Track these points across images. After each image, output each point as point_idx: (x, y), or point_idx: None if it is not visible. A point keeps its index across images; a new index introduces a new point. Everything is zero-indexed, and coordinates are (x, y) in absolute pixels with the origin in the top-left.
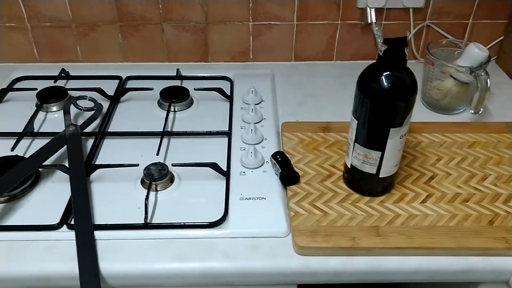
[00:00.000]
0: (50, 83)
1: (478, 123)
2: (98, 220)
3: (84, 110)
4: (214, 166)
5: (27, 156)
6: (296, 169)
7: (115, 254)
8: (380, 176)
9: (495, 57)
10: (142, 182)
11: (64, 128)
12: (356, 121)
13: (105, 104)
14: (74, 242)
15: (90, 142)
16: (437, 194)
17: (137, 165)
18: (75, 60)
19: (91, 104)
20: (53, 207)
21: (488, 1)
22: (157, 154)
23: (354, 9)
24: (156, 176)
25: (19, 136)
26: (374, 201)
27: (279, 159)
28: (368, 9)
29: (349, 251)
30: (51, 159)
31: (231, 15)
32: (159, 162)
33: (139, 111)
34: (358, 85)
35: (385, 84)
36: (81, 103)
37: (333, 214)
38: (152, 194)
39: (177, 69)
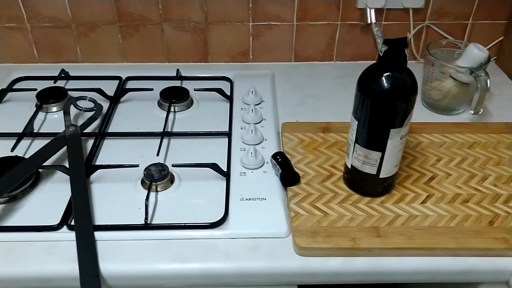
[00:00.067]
0: (50, 84)
1: (478, 123)
2: (98, 220)
3: (84, 111)
4: (214, 166)
5: (27, 156)
6: (296, 170)
7: (116, 255)
8: (381, 176)
9: (495, 57)
10: (142, 182)
11: (64, 129)
12: (356, 122)
13: (105, 105)
14: (74, 242)
15: (90, 142)
16: (437, 195)
17: (137, 165)
18: (75, 61)
19: (91, 105)
20: (53, 208)
21: (488, 1)
22: (157, 155)
23: (354, 9)
24: (156, 177)
25: (19, 137)
26: (374, 202)
27: (279, 160)
28: (368, 9)
29: (349, 252)
30: (51, 159)
31: (231, 16)
32: (159, 162)
33: (139, 112)
34: (358, 85)
35: (385, 84)
36: (81, 103)
37: (333, 214)
38: (152, 194)
39: (177, 70)
